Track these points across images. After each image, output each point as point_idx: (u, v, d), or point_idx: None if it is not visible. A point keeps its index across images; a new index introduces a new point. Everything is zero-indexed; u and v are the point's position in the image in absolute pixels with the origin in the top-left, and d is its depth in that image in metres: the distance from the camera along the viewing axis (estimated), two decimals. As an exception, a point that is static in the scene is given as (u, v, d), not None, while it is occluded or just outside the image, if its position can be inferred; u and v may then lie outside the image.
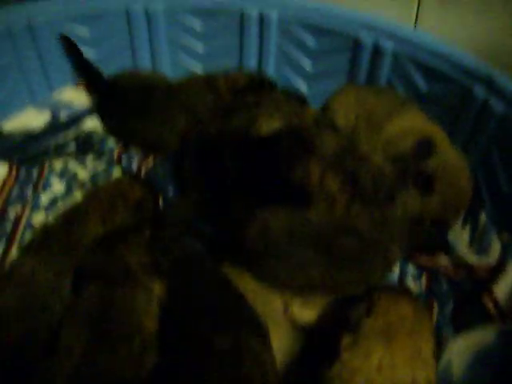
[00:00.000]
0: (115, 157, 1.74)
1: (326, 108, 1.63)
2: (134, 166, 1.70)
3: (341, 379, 0.98)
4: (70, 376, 0.94)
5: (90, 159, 1.80)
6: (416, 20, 1.84)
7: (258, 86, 1.66)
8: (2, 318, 1.09)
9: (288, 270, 1.19)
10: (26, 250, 1.27)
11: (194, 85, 1.72)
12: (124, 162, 1.72)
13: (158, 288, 1.09)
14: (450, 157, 1.42)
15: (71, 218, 1.30)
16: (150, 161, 1.71)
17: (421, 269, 1.42)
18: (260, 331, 1.03)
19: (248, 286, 1.17)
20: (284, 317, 1.16)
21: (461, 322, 1.29)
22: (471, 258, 1.40)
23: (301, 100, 1.61)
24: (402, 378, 0.97)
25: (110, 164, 1.77)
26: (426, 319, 1.08)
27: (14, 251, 1.52)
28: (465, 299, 1.34)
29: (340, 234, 1.17)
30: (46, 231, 1.28)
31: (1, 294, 1.13)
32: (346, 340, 1.03)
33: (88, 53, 1.94)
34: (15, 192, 1.70)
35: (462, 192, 1.44)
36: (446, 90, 1.60)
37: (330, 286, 1.20)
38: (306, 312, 1.17)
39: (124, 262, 1.09)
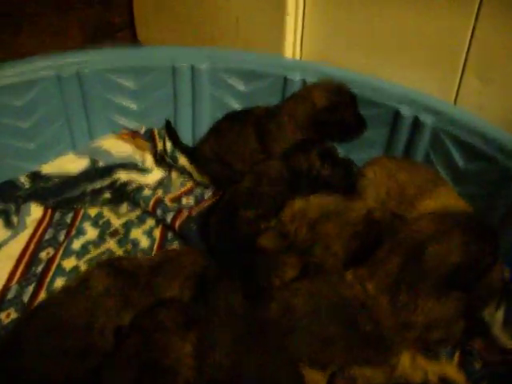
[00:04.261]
0: (150, 207, 1.76)
1: (359, 175, 1.65)
2: (169, 218, 1.71)
3: None
4: None
5: (124, 207, 1.83)
6: (456, 96, 1.88)
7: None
8: (69, 330, 1.19)
9: (312, 346, 1.19)
10: (109, 265, 1.34)
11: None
12: (159, 213, 1.74)
13: (192, 336, 1.15)
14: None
15: (161, 269, 1.37)
16: (184, 214, 1.72)
17: (454, 347, 1.40)
18: None
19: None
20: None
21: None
22: (505, 339, 1.38)
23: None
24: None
25: (145, 213, 1.80)
26: None
27: (42, 294, 1.52)
28: (499, 382, 1.31)
29: (361, 312, 1.18)
30: (133, 270, 1.34)
31: (73, 307, 1.23)
32: None
33: (131, 104, 2.00)
34: (48, 235, 1.72)
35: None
36: (484, 167, 1.61)
37: (351, 362, 1.20)
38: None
39: (159, 320, 1.16)
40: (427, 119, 1.71)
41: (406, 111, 1.74)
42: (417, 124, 1.73)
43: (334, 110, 1.72)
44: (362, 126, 1.78)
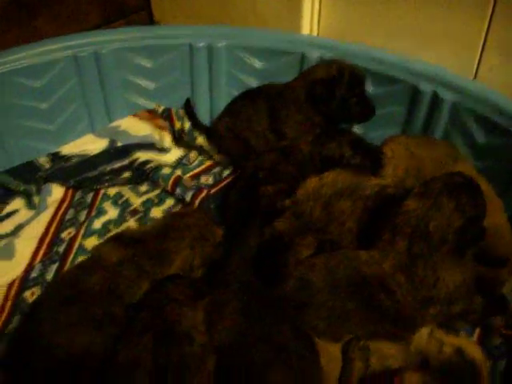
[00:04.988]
0: (169, 186, 1.77)
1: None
2: (188, 197, 1.72)
3: None
4: None
5: (143, 187, 1.84)
6: (476, 71, 1.86)
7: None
8: (89, 298, 1.22)
9: (327, 321, 1.20)
10: (115, 239, 1.39)
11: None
12: (178, 191, 1.75)
13: (202, 306, 1.18)
14: (500, 222, 1.42)
15: (167, 233, 1.40)
16: (203, 193, 1.73)
17: (474, 324, 1.40)
18: None
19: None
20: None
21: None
22: (525, 316, 1.38)
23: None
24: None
25: (164, 192, 1.81)
26: None
27: (65, 273, 1.54)
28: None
29: (381, 290, 1.19)
30: (142, 236, 1.39)
31: (91, 276, 1.27)
32: None
33: (149, 83, 2.01)
34: (69, 215, 1.74)
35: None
36: (504, 143, 1.59)
37: (368, 338, 1.21)
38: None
39: (168, 294, 1.19)
40: (447, 95, 1.68)
41: (425, 87, 1.72)
42: (436, 100, 1.71)
43: (328, 85, 1.68)
44: (367, 110, 1.73)
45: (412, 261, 1.18)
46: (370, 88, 1.81)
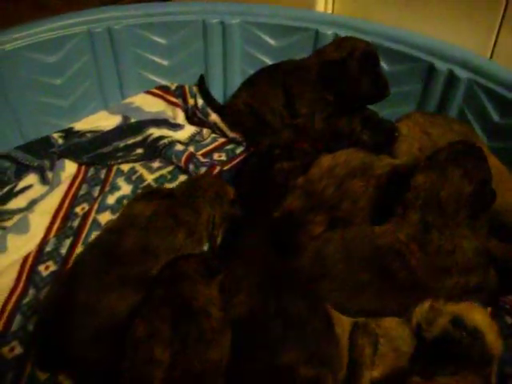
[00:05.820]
0: (182, 163, 1.77)
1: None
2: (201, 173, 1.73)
3: None
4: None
5: (156, 163, 1.84)
6: (493, 51, 1.84)
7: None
8: (125, 261, 1.24)
9: (343, 293, 1.22)
10: (145, 196, 1.45)
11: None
12: (191, 168, 1.75)
13: (216, 282, 1.18)
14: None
15: (192, 193, 1.46)
16: (216, 169, 1.73)
17: (486, 303, 1.41)
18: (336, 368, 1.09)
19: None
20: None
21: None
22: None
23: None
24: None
25: (177, 168, 1.81)
26: None
27: (80, 248, 1.55)
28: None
29: (396, 260, 1.20)
30: (170, 192, 1.47)
31: (124, 238, 1.27)
32: None
33: (162, 60, 2.01)
34: (83, 191, 1.75)
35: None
36: (521, 123, 1.58)
37: (380, 311, 1.22)
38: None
39: (181, 271, 1.19)
40: (462, 74, 1.67)
41: (441, 65, 1.71)
42: (451, 78, 1.70)
43: (338, 66, 1.66)
44: (381, 90, 1.68)
45: (426, 231, 1.20)
46: (385, 66, 1.79)
